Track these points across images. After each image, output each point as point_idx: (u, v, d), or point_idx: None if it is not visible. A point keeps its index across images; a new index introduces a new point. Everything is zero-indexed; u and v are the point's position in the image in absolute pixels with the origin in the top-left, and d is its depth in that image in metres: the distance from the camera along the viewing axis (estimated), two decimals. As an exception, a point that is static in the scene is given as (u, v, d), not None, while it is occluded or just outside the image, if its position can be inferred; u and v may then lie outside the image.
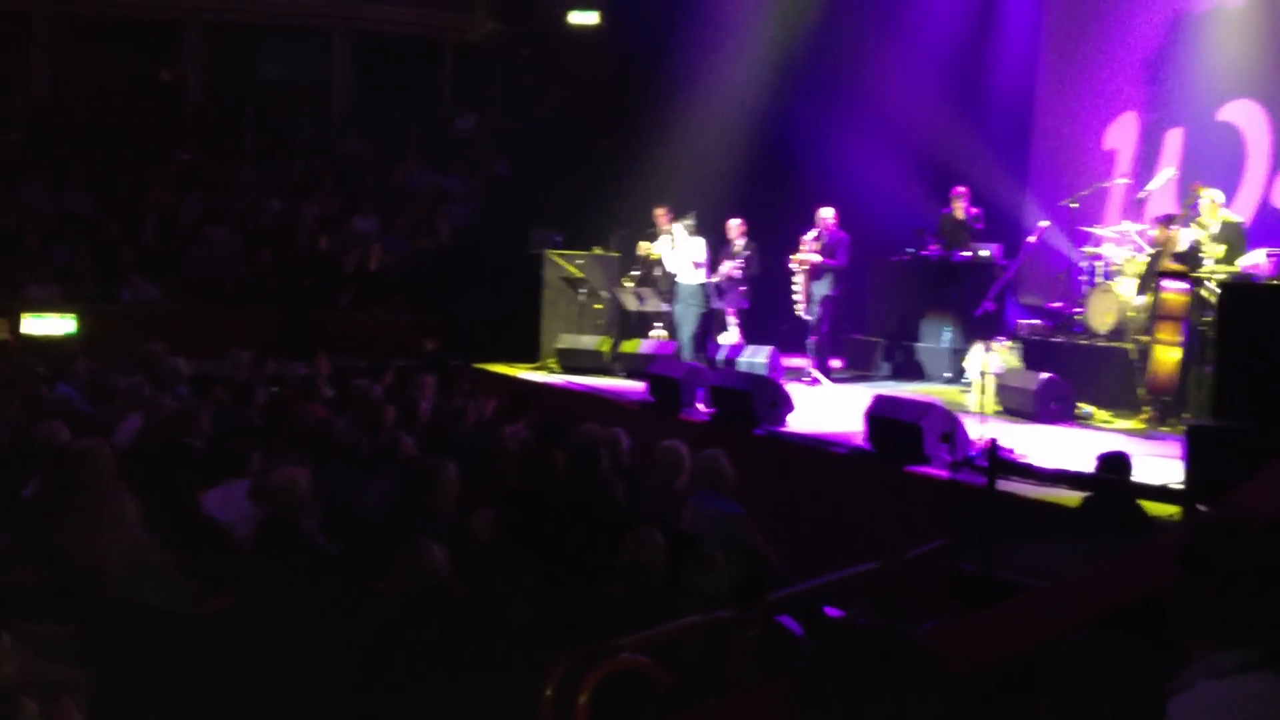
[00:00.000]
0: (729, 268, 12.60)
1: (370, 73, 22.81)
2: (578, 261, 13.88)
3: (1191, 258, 9.79)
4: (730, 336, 13.13)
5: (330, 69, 22.82)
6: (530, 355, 13.78)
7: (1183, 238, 9.98)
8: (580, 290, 13.66)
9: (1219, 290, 7.90)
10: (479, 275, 15.45)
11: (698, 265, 12.33)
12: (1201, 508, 4.82)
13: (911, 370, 13.20)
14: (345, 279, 16.53)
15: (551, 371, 13.13)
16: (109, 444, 6.28)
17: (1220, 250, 9.66)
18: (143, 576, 5.17)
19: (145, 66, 22.68)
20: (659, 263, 12.87)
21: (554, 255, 14.05)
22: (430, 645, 4.46)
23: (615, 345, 13.19)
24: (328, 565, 5.54)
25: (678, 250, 12.33)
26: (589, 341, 13.27)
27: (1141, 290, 10.50)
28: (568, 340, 13.38)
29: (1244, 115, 12.48)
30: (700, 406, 10.20)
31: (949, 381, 12.38)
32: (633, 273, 13.29)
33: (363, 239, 17.29)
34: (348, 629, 4.73)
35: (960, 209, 12.93)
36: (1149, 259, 10.49)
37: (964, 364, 11.84)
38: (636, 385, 11.42)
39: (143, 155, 19.29)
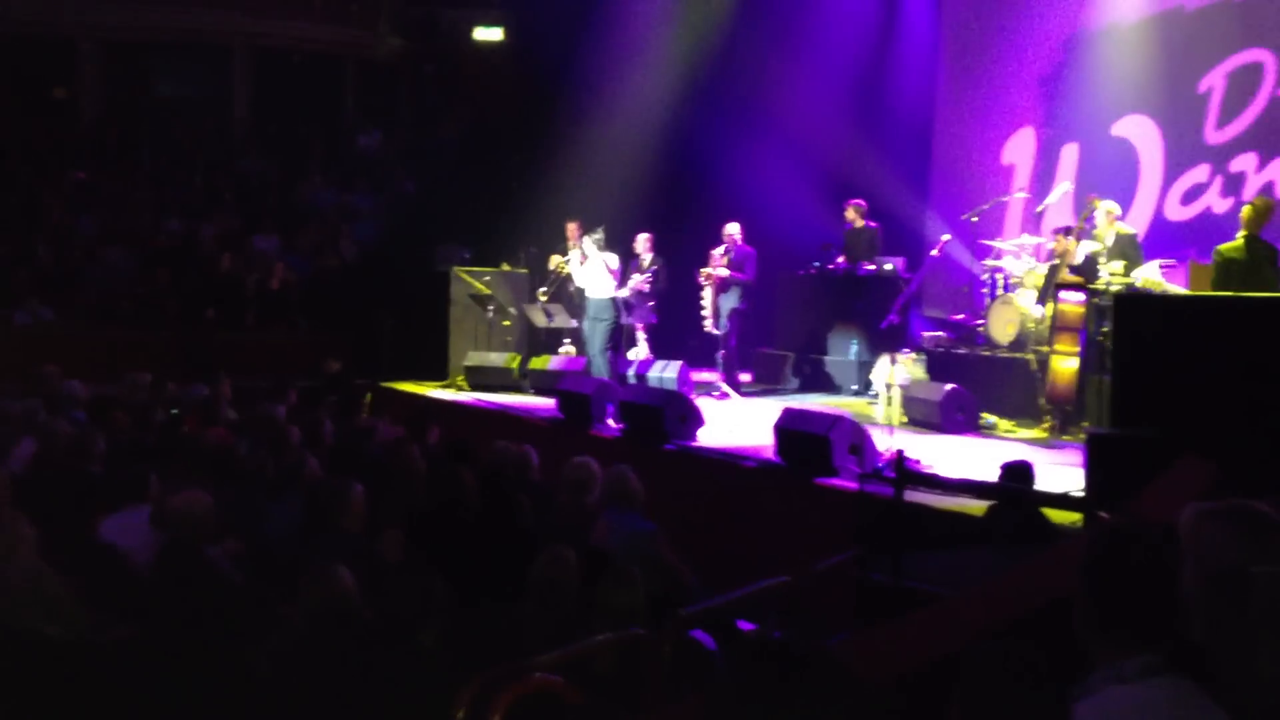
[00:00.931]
0: (637, 282, 12.61)
1: (271, 89, 22.54)
2: (485, 278, 13.78)
3: (1088, 269, 10.04)
4: (639, 352, 13.15)
5: (230, 86, 22.50)
6: (438, 373, 13.65)
7: (1080, 250, 10.22)
8: (488, 307, 13.58)
9: (1114, 301, 8.10)
10: (385, 293, 15.30)
11: (612, 278, 12.29)
12: (1103, 514, 4.92)
13: (820, 383, 13.33)
14: (246, 299, 16.26)
15: (460, 389, 13.03)
16: (3, 470, 6.10)
17: (1119, 266, 9.91)
18: (39, 605, 5.02)
19: (39, 84, 22.16)
20: (570, 278, 12.82)
21: (461, 272, 13.94)
22: (339, 669, 4.38)
23: (524, 362, 13.13)
24: (232, 591, 5.43)
25: (587, 265, 12.30)
26: (497, 359, 13.19)
27: (1041, 301, 10.74)
28: (476, 358, 13.28)
29: (1137, 130, 12.83)
30: (610, 422, 10.19)
31: (857, 394, 12.52)
32: (544, 289, 13.22)
33: (264, 258, 17.03)
34: (253, 655, 4.63)
35: (858, 221, 13.10)
36: (1048, 271, 10.73)
37: (871, 376, 11.99)
38: (546, 402, 11.38)
39: (37, 174, 18.82)
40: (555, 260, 13.05)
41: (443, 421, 9.79)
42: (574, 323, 13.20)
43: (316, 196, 19.45)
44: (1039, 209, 11.85)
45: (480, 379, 13.03)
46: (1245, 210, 8.48)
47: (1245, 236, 8.27)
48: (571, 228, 12.64)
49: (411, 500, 6.56)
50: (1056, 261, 10.40)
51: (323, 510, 5.84)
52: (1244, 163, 11.85)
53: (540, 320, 13.34)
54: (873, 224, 13.17)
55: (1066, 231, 10.43)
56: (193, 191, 19.28)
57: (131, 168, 19.68)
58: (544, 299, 13.10)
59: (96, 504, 6.32)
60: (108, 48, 21.83)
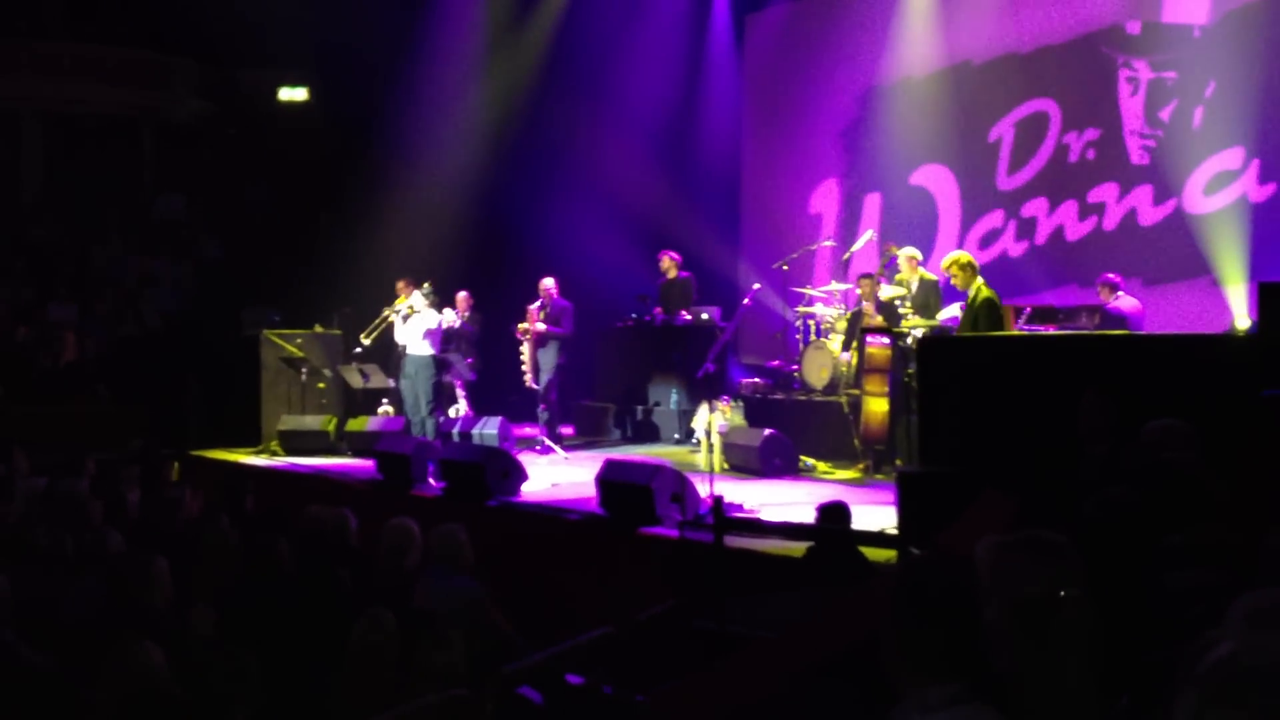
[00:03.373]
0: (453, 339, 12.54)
1: (63, 155, 21.74)
2: (297, 341, 13.47)
3: (890, 313, 10.43)
4: (459, 409, 13.06)
5: (19, 151, 21.63)
6: (251, 439, 13.26)
7: (883, 294, 10.63)
8: (301, 370, 13.29)
9: (917, 344, 8.42)
10: (193, 360, 14.85)
11: (427, 336, 12.18)
12: (913, 549, 5.09)
13: (643, 433, 13.46)
14: (41, 370, 15.58)
15: (274, 455, 12.69)
16: None
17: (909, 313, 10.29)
18: None
19: None
20: (392, 330, 12.55)
21: (272, 335, 13.59)
22: (148, 754, 4.21)
23: (341, 424, 12.88)
24: (33, 677, 5.16)
25: (412, 320, 12.13)
26: (312, 422, 12.90)
27: (846, 346, 11.10)
28: (290, 421, 12.96)
29: (934, 179, 13.43)
30: (431, 481, 10.09)
31: (679, 442, 12.69)
32: (365, 334, 12.77)
33: (59, 327, 16.36)
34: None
35: (671, 271, 13.34)
36: (850, 317, 11.12)
37: (692, 424, 12.17)
38: (365, 464, 11.20)
39: None
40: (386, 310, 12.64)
41: (256, 488, 9.53)
42: (391, 382, 13.03)
43: (115, 263, 18.81)
44: (845, 257, 12.27)
45: (295, 443, 12.71)
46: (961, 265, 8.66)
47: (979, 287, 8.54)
48: (401, 283, 12.39)
49: (224, 572, 6.36)
50: (858, 308, 10.78)
51: (126, 587, 5.61)
52: (1035, 207, 12.52)
53: (356, 381, 13.12)
54: (686, 274, 13.42)
55: (869, 277, 10.84)
56: (-20, 261, 18.45)
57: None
58: (367, 341, 12.77)
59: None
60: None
